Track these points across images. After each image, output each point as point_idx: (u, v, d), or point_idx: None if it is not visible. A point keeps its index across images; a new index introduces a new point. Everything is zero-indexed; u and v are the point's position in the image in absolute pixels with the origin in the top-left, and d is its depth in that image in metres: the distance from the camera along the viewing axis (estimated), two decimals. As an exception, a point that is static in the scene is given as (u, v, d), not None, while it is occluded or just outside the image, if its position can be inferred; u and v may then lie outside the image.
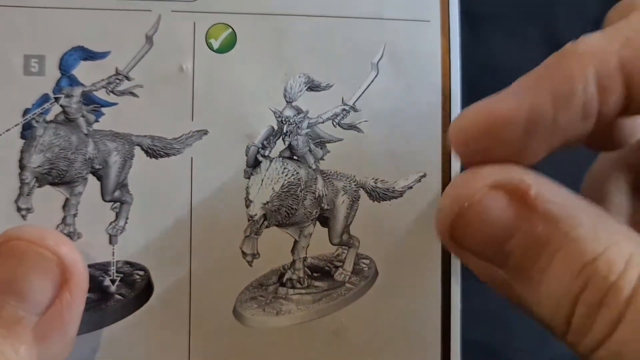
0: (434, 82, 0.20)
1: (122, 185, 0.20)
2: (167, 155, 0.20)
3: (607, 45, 0.16)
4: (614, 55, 0.16)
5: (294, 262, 0.20)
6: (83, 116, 0.20)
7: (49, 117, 0.19)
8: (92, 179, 0.20)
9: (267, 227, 0.20)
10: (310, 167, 0.20)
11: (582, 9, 0.31)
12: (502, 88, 0.29)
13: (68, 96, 0.19)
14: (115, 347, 0.19)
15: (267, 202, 0.20)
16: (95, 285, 0.19)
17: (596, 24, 0.31)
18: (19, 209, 0.19)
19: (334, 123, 0.20)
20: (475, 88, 0.29)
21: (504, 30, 0.30)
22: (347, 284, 0.20)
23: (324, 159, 0.20)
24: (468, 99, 0.30)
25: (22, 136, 0.19)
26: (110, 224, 0.19)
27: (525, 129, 0.16)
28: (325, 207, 0.20)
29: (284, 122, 0.20)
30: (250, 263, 0.20)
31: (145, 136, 0.20)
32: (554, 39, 0.30)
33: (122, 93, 0.20)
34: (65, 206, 0.19)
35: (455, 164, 0.20)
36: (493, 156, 0.16)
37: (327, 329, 0.20)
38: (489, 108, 0.16)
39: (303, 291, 0.20)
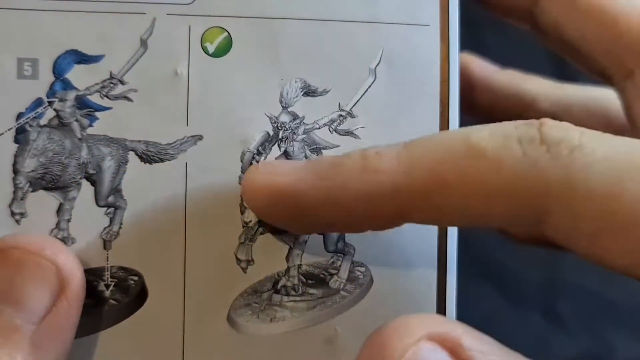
0: (433, 88, 0.22)
1: (116, 191, 0.21)
2: (162, 160, 0.21)
3: None
4: None
5: (288, 269, 0.21)
6: (77, 120, 0.21)
7: (43, 121, 0.21)
8: (85, 184, 0.21)
9: (262, 233, 0.21)
10: (305, 174, 0.21)
11: None
12: None
13: (62, 100, 0.21)
14: (110, 352, 0.21)
15: (262, 209, 0.21)
16: (90, 290, 0.20)
17: None
18: (12, 214, 0.21)
19: (331, 129, 0.21)
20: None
21: (504, 35, 0.31)
22: (342, 292, 0.21)
23: (319, 166, 0.21)
24: None
25: (16, 140, 0.21)
26: (104, 229, 0.21)
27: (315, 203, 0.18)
28: None
29: (279, 128, 0.21)
30: (244, 270, 0.21)
31: (139, 141, 0.21)
32: None
33: (116, 97, 0.21)
34: (59, 211, 0.21)
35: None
36: (289, 222, 0.19)
37: (322, 336, 0.21)
38: (272, 178, 0.19)
39: (297, 298, 0.21)
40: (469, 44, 0.30)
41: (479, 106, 0.27)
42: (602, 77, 0.23)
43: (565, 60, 0.30)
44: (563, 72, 0.31)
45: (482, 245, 0.32)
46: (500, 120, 0.19)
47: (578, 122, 0.18)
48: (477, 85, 0.27)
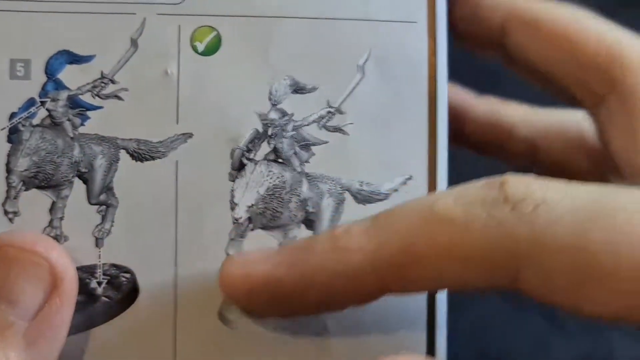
0: (420, 84, 0.22)
1: (108, 189, 0.21)
2: (152, 158, 0.21)
3: None
4: None
5: (279, 265, 0.22)
6: (69, 120, 0.21)
7: (35, 121, 0.21)
8: (78, 182, 0.21)
9: (252, 229, 0.22)
10: (295, 170, 0.22)
11: None
12: (498, 92, 0.30)
13: (54, 100, 0.21)
14: (102, 348, 0.21)
15: (252, 205, 0.21)
16: (82, 287, 0.21)
17: None
18: (5, 212, 0.21)
19: (319, 125, 0.22)
20: (473, 92, 0.30)
21: None
22: (332, 287, 0.22)
23: (309, 162, 0.22)
24: None
25: (9, 140, 0.21)
26: (97, 226, 0.21)
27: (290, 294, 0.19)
28: (310, 210, 0.22)
29: (268, 125, 0.22)
30: (235, 266, 0.21)
31: (130, 139, 0.21)
32: None
33: (108, 96, 0.21)
34: (51, 209, 0.21)
35: (442, 167, 0.22)
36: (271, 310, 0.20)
37: (312, 331, 0.22)
38: (247, 270, 0.20)
39: (288, 294, 0.22)
40: None
41: (460, 135, 0.27)
42: (574, 103, 0.24)
43: None
44: None
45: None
46: (483, 149, 0.19)
47: (556, 146, 0.18)
48: (456, 115, 0.27)
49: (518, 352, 0.35)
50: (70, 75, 0.21)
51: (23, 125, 0.21)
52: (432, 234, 0.18)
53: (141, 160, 0.21)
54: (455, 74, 0.29)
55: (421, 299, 0.22)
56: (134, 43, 0.21)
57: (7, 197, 0.21)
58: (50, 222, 0.21)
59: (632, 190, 0.17)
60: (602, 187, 0.18)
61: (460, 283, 0.18)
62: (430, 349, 0.22)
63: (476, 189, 0.18)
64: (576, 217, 0.17)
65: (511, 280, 0.17)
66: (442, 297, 0.22)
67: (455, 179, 0.22)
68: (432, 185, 0.22)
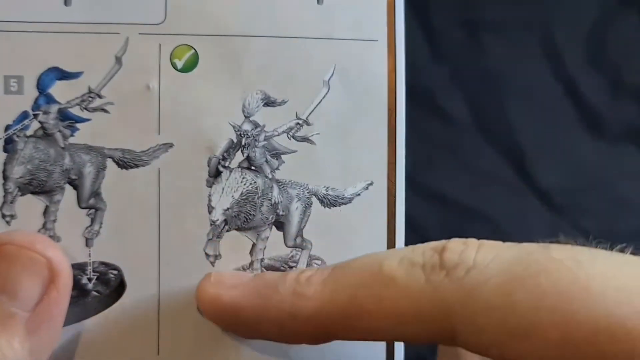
0: (381, 97, 0.24)
1: (96, 194, 0.24)
2: (136, 166, 0.24)
3: None
4: None
5: (252, 262, 0.24)
6: (60, 131, 0.24)
7: (29, 132, 0.24)
8: (69, 188, 0.24)
9: (227, 231, 0.24)
10: (266, 177, 0.24)
11: (579, 16, 0.34)
12: (499, 93, 0.32)
13: (45, 113, 0.24)
14: (92, 339, 0.24)
15: (228, 209, 0.24)
16: (74, 283, 0.23)
17: (592, 31, 0.34)
18: (3, 216, 0.23)
19: (289, 136, 0.24)
20: (475, 93, 0.32)
21: (501, 36, 0.33)
22: (300, 282, 0.24)
23: (279, 169, 0.24)
24: (467, 102, 0.33)
25: (5, 150, 0.23)
26: (86, 228, 0.24)
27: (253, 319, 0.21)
28: (281, 213, 0.24)
29: (242, 136, 0.24)
30: (213, 264, 0.24)
31: (116, 149, 0.24)
32: (550, 45, 0.34)
33: (95, 110, 0.24)
34: (45, 213, 0.24)
35: (400, 172, 0.25)
36: (232, 329, 0.23)
37: None
38: (218, 292, 0.22)
39: (260, 288, 0.24)
40: (469, 46, 0.32)
41: None
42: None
43: (564, 59, 0.32)
44: (561, 71, 0.33)
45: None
46: None
47: None
48: None
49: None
50: (60, 90, 0.24)
51: (18, 137, 0.24)
52: (376, 291, 0.20)
53: (126, 168, 0.24)
54: (457, 77, 0.31)
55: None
56: (118, 60, 0.24)
57: (4, 202, 0.24)
58: (44, 224, 0.24)
59: (551, 250, 0.19)
60: (529, 246, 0.19)
61: (401, 337, 0.21)
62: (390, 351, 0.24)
63: (421, 252, 0.20)
64: (502, 279, 0.18)
65: (449, 337, 0.19)
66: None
67: (411, 182, 0.24)
68: (391, 189, 0.25)
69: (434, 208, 0.35)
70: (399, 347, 0.24)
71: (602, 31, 0.34)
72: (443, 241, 0.20)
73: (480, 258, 0.19)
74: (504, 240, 0.20)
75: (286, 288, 0.21)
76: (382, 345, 0.24)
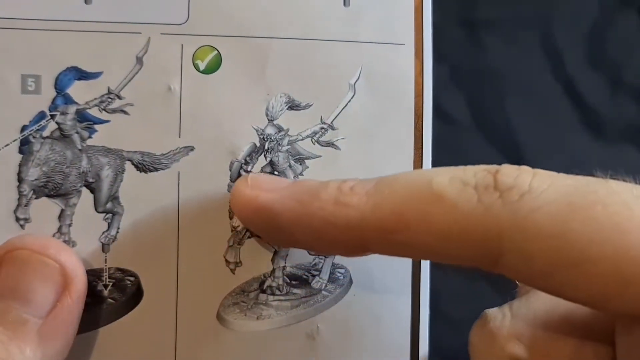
0: (408, 101, 0.24)
1: (114, 198, 0.24)
2: (156, 169, 0.24)
3: None
4: None
5: (274, 270, 0.24)
6: (77, 132, 0.24)
7: (45, 133, 0.23)
8: (85, 191, 0.24)
9: (249, 237, 0.24)
10: (289, 182, 0.24)
11: (579, 15, 0.34)
12: (499, 93, 0.32)
13: (63, 114, 0.23)
14: (108, 347, 0.23)
15: (249, 215, 0.24)
16: (89, 289, 0.23)
17: (592, 31, 0.34)
18: (17, 219, 0.23)
19: (313, 140, 0.24)
20: (475, 93, 0.32)
21: (501, 35, 0.33)
22: (323, 292, 0.24)
23: (303, 175, 0.24)
24: (467, 102, 0.33)
25: (20, 151, 0.23)
26: (103, 233, 0.24)
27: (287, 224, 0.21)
28: None
29: (265, 140, 0.24)
30: (233, 271, 0.24)
31: (135, 152, 0.24)
32: (550, 44, 0.34)
33: (114, 111, 0.24)
34: (60, 216, 0.23)
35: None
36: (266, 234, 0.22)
37: (304, 332, 0.24)
38: (256, 194, 0.22)
39: (282, 298, 0.24)
40: (469, 45, 0.32)
41: None
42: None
43: (564, 58, 0.32)
44: (561, 70, 0.33)
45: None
46: None
47: None
48: None
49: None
50: (79, 91, 0.24)
51: (34, 137, 0.23)
52: (422, 207, 0.19)
53: (145, 172, 0.24)
54: (457, 76, 0.31)
55: (406, 310, 0.24)
56: (139, 61, 0.24)
57: (18, 205, 0.23)
58: (59, 228, 0.23)
59: (610, 183, 0.19)
60: (586, 179, 0.19)
61: (441, 257, 0.20)
62: (414, 353, 0.24)
63: (473, 172, 0.20)
64: (558, 206, 0.18)
65: (492, 262, 0.19)
66: (424, 308, 0.24)
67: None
68: (417, 196, 0.24)
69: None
70: (424, 337, 0.24)
71: (602, 31, 0.34)
72: (495, 165, 0.20)
73: (536, 184, 0.19)
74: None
75: (328, 195, 0.21)
76: (406, 307, 0.24)
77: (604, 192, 0.18)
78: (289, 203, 0.21)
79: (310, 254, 0.24)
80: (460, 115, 0.32)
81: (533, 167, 0.19)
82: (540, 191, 0.19)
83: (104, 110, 0.24)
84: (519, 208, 0.18)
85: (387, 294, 0.24)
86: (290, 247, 0.24)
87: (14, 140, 0.23)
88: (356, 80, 0.24)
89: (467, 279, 0.33)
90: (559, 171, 0.19)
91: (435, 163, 0.25)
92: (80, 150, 0.24)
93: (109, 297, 0.24)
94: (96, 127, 0.24)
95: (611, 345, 0.20)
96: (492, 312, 0.21)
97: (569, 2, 0.34)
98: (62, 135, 0.24)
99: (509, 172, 0.19)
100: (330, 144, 0.24)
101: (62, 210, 0.24)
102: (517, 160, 0.34)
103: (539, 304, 0.21)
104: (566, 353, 0.20)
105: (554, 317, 0.21)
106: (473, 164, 0.20)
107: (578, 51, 0.34)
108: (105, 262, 0.24)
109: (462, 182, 0.19)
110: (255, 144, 0.24)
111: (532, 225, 0.18)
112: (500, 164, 0.20)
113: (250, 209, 0.22)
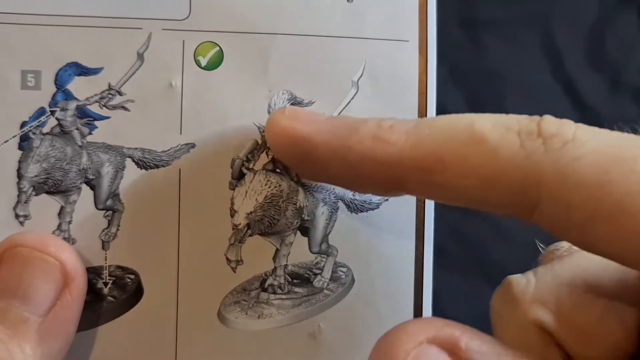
0: (411, 99, 0.24)
1: (114, 195, 0.24)
2: (157, 166, 0.24)
3: None
4: None
5: (275, 269, 0.24)
6: (77, 129, 0.24)
7: (45, 129, 0.23)
8: (85, 188, 0.24)
9: (250, 235, 0.24)
10: (292, 180, 0.24)
11: (578, 15, 0.35)
12: (498, 93, 0.32)
13: (63, 110, 0.23)
14: (107, 345, 0.23)
15: (251, 212, 0.24)
16: (89, 287, 0.23)
17: (591, 31, 0.34)
18: (16, 216, 0.23)
19: (315, 138, 0.24)
20: (473, 92, 0.32)
21: (500, 35, 0.33)
22: (325, 291, 0.24)
23: (305, 172, 0.24)
24: (467, 102, 0.33)
25: (20, 147, 0.23)
26: (103, 230, 0.24)
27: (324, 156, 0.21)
28: (306, 217, 0.24)
29: (267, 137, 0.24)
30: (234, 269, 0.24)
31: (136, 148, 0.24)
32: (550, 44, 0.34)
33: (114, 107, 0.24)
34: (60, 213, 0.23)
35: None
36: (300, 167, 0.22)
37: (306, 332, 0.24)
38: (293, 125, 0.21)
39: (283, 296, 0.24)
40: (469, 45, 0.32)
41: None
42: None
43: (563, 58, 0.32)
44: (561, 70, 0.34)
45: (482, 245, 0.34)
46: None
47: None
48: None
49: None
50: (79, 87, 0.24)
51: (34, 134, 0.23)
52: (462, 149, 0.19)
53: (146, 168, 0.24)
54: (457, 76, 0.32)
55: (409, 309, 0.24)
56: (140, 57, 0.24)
57: (18, 202, 0.23)
58: (59, 225, 0.24)
59: None
60: (629, 136, 0.19)
61: (478, 202, 0.20)
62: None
63: (516, 119, 0.20)
64: (600, 157, 0.18)
65: (529, 210, 0.19)
66: (427, 307, 0.24)
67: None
68: (420, 195, 0.24)
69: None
70: (429, 241, 0.24)
71: (601, 31, 0.35)
72: (536, 116, 0.20)
73: (580, 134, 0.19)
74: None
75: (367, 130, 0.21)
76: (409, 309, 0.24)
77: None
78: (327, 136, 0.21)
79: (312, 252, 0.24)
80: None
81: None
82: (584, 141, 0.19)
83: (105, 106, 0.24)
84: (561, 156, 0.18)
85: (389, 293, 0.24)
86: (324, 182, 0.23)
87: (13, 137, 0.23)
88: (359, 77, 0.24)
89: (466, 278, 0.33)
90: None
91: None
92: (80, 146, 0.24)
93: (109, 295, 0.24)
94: (96, 123, 0.24)
95: (638, 311, 0.20)
96: (516, 278, 0.21)
97: (569, 2, 0.34)
98: (62, 132, 0.24)
99: (552, 121, 0.19)
100: (333, 142, 0.24)
101: (62, 207, 0.24)
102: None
103: (563, 271, 0.21)
104: (592, 319, 0.20)
105: (579, 284, 0.20)
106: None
107: (578, 51, 0.35)
108: (106, 260, 0.24)
109: (505, 126, 0.19)
110: (257, 141, 0.24)
111: (573, 173, 0.18)
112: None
113: (286, 139, 0.21)
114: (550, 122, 0.19)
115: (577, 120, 0.19)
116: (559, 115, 0.20)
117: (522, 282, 0.21)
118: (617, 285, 0.20)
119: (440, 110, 0.25)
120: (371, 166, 0.20)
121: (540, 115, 0.20)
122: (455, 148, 0.19)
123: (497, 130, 0.19)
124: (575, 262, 0.20)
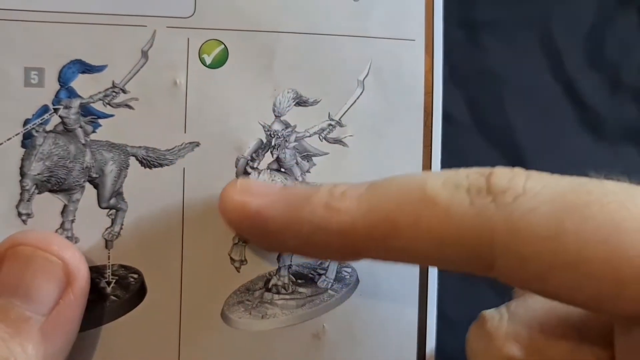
0: (417, 98, 0.24)
1: (118, 193, 0.24)
2: (161, 165, 0.24)
3: None
4: None
5: (279, 269, 0.24)
6: (81, 127, 0.24)
7: (49, 127, 0.23)
8: (89, 187, 0.24)
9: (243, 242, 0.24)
10: (297, 179, 0.24)
11: (578, 15, 0.35)
12: (498, 93, 0.32)
13: (67, 107, 0.23)
14: (110, 345, 0.23)
15: (255, 212, 0.24)
16: (92, 286, 0.23)
17: (591, 31, 0.34)
18: (19, 214, 0.23)
19: (321, 137, 0.24)
20: (473, 92, 0.32)
21: (500, 35, 0.33)
22: (329, 291, 0.24)
23: (310, 172, 0.24)
24: (467, 102, 0.33)
25: (23, 145, 0.23)
26: (106, 229, 0.24)
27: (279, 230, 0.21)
28: None
29: (272, 136, 0.24)
30: (238, 269, 0.24)
31: (139, 147, 0.24)
32: (550, 45, 0.34)
33: (118, 105, 0.24)
34: (63, 212, 0.23)
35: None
36: (255, 240, 0.22)
37: (310, 332, 0.24)
38: (245, 199, 0.21)
39: (287, 297, 0.24)
40: (469, 45, 0.32)
41: None
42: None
43: (563, 59, 0.32)
44: (561, 71, 0.34)
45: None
46: None
47: None
48: None
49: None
50: (83, 84, 0.23)
51: (37, 131, 0.23)
52: (415, 211, 0.19)
53: (150, 167, 0.24)
54: (457, 77, 0.32)
55: (413, 310, 0.24)
56: (144, 54, 0.24)
57: (20, 200, 0.23)
58: (62, 224, 0.23)
59: (605, 183, 0.19)
60: (580, 179, 0.19)
61: (434, 262, 0.20)
62: (421, 353, 0.24)
63: (466, 175, 0.20)
64: (552, 207, 0.18)
65: (487, 266, 0.19)
66: (432, 309, 0.24)
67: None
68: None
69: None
70: (430, 337, 0.24)
71: (601, 31, 0.35)
72: (488, 167, 0.20)
73: (530, 185, 0.19)
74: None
75: (319, 199, 0.20)
76: (414, 310, 0.24)
77: (599, 191, 0.18)
78: (279, 208, 0.21)
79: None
80: (459, 116, 0.32)
81: (532, 167, 0.19)
82: (534, 193, 0.18)
83: (108, 104, 0.24)
84: (512, 211, 0.18)
85: (393, 294, 0.24)
86: (285, 253, 0.23)
87: (16, 134, 0.23)
88: (365, 77, 0.24)
89: (469, 281, 0.33)
90: (558, 171, 0.19)
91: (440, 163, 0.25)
92: (83, 144, 0.24)
93: (112, 294, 0.24)
94: (100, 121, 0.24)
95: (609, 346, 0.20)
96: (490, 313, 0.21)
97: (568, 2, 0.34)
98: (66, 130, 0.24)
99: (502, 175, 0.19)
100: (338, 141, 0.24)
101: (65, 206, 0.24)
102: (517, 161, 0.35)
103: (536, 304, 0.21)
104: (563, 354, 0.20)
105: (551, 318, 0.21)
106: (472, 164, 0.20)
107: (577, 51, 0.35)
108: (109, 259, 0.24)
109: (455, 185, 0.19)
110: (261, 140, 0.24)
111: (526, 227, 0.18)
112: (499, 164, 0.20)
113: (239, 215, 0.21)
114: (500, 176, 0.19)
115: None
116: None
117: (496, 318, 0.21)
118: (589, 320, 0.20)
119: (442, 111, 0.25)
120: (325, 237, 0.20)
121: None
122: (407, 212, 0.19)
123: (448, 189, 0.19)
124: None
